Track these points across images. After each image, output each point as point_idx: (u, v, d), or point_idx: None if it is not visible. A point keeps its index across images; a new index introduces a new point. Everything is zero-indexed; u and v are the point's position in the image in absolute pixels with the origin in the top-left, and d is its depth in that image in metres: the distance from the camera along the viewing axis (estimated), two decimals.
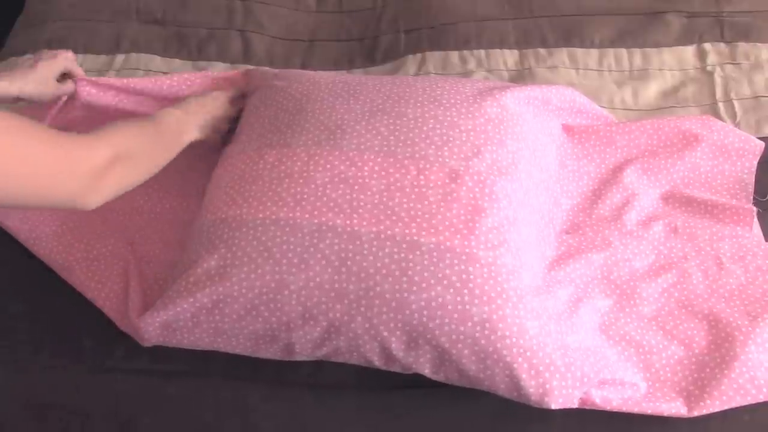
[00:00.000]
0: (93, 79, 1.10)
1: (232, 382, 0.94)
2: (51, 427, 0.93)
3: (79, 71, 1.09)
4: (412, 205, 0.88)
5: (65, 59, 1.06)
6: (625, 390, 0.87)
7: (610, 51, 1.28)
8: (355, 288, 0.85)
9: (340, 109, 0.98)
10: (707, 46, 1.27)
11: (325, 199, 0.89)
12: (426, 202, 0.88)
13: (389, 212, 0.88)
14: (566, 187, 1.05)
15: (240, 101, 1.12)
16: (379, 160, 0.92)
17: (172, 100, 1.09)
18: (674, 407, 0.86)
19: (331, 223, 0.88)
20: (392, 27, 1.37)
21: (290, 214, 0.89)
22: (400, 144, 0.93)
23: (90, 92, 1.09)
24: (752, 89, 1.21)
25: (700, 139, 1.08)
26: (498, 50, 1.30)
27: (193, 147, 1.03)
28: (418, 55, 1.30)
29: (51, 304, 1.02)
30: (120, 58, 1.33)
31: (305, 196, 0.90)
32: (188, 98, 1.06)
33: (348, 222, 0.88)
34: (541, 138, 1.02)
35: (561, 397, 0.83)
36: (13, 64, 1.08)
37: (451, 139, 0.94)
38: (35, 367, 0.97)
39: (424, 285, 0.84)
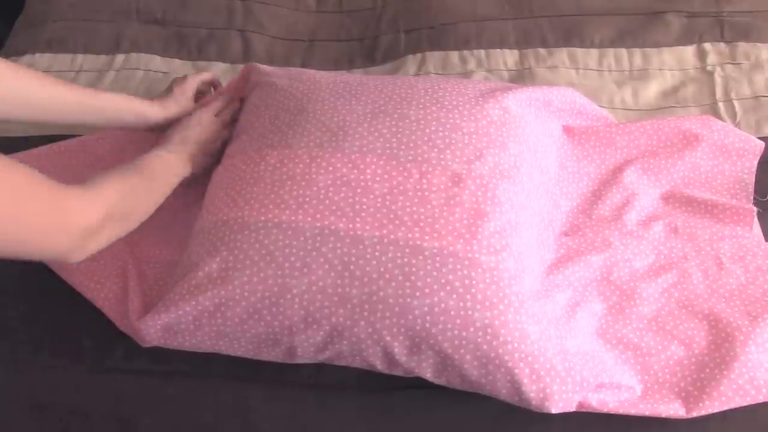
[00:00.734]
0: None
1: (233, 382, 0.94)
2: (51, 427, 0.93)
3: (215, 82, 1.18)
4: (414, 209, 0.88)
5: (194, 78, 1.13)
6: (622, 393, 0.88)
7: (610, 51, 1.28)
8: (358, 292, 0.85)
9: (341, 110, 0.98)
10: (707, 46, 1.27)
11: (327, 202, 0.89)
12: (429, 206, 0.88)
13: (392, 216, 0.88)
14: (566, 189, 1.05)
15: (227, 111, 1.11)
16: (381, 162, 0.92)
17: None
18: (672, 408, 0.86)
19: (333, 227, 0.88)
20: (392, 27, 1.37)
21: (292, 217, 0.89)
22: (403, 146, 0.93)
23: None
24: (752, 89, 1.21)
25: (700, 139, 1.08)
26: (498, 50, 1.30)
27: None
28: (418, 55, 1.30)
29: (51, 304, 1.02)
30: (120, 58, 1.33)
31: (307, 199, 0.90)
32: (170, 132, 1.05)
33: (351, 226, 0.88)
34: (542, 140, 1.02)
35: (561, 401, 0.84)
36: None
37: (453, 141, 0.94)
38: (35, 367, 0.97)
39: (426, 290, 0.84)
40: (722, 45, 1.27)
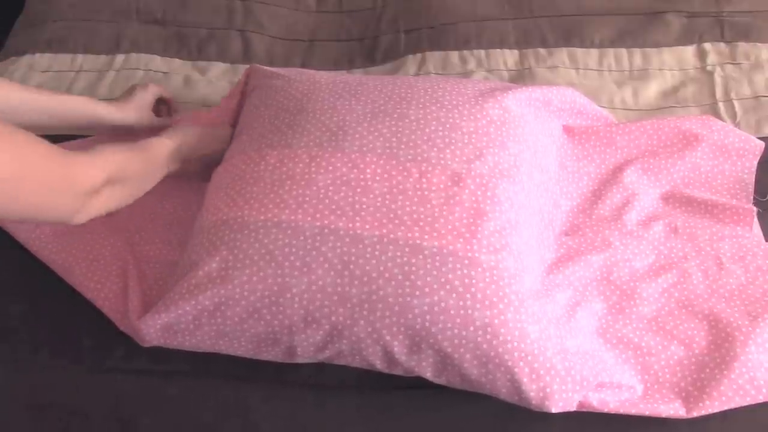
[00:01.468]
0: None
1: (233, 382, 0.94)
2: (51, 427, 0.93)
3: (169, 98, 1.19)
4: (414, 208, 0.88)
5: (156, 88, 1.14)
6: (622, 392, 0.88)
7: (610, 51, 1.28)
8: (358, 292, 0.85)
9: (341, 110, 0.98)
10: (707, 46, 1.27)
11: (327, 201, 0.89)
12: (428, 206, 0.88)
13: (392, 215, 0.88)
14: (566, 189, 1.05)
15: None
16: (381, 162, 0.92)
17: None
18: (673, 408, 0.86)
19: (333, 226, 0.88)
20: (392, 27, 1.37)
21: (292, 217, 0.89)
22: (402, 146, 0.93)
23: None
24: (752, 89, 1.21)
25: (700, 139, 1.08)
26: (498, 50, 1.30)
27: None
28: (418, 55, 1.30)
29: (51, 304, 1.02)
30: (120, 58, 1.33)
31: (307, 199, 0.90)
32: (181, 128, 1.05)
33: (350, 225, 0.88)
34: (542, 139, 1.02)
35: (561, 400, 0.84)
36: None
37: (453, 141, 0.94)
38: (35, 367, 0.97)
39: (426, 289, 0.84)
40: (722, 45, 1.27)
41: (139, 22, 1.40)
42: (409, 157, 0.92)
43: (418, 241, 0.86)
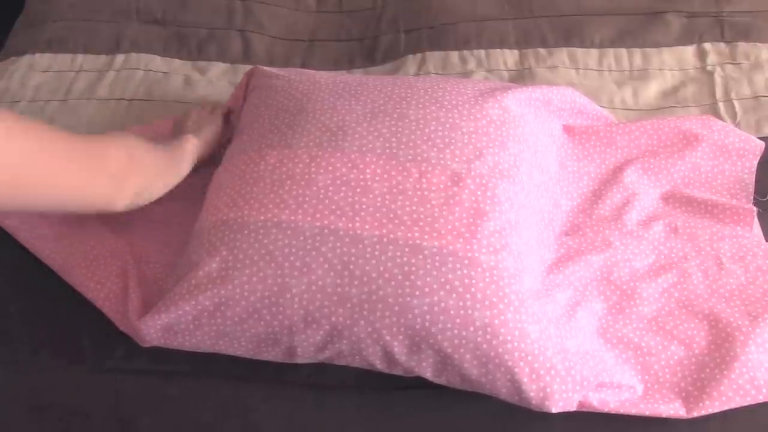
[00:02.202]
0: None
1: (233, 382, 0.94)
2: (51, 427, 0.93)
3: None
4: (414, 208, 0.88)
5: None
6: (623, 392, 0.87)
7: (610, 51, 1.28)
8: (358, 292, 0.85)
9: (341, 110, 0.98)
10: (707, 46, 1.27)
11: (327, 201, 0.89)
12: (428, 206, 0.88)
13: (392, 215, 0.88)
14: (566, 189, 1.05)
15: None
16: (381, 162, 0.92)
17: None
18: (673, 408, 0.86)
19: (333, 227, 0.88)
20: (392, 27, 1.37)
21: (292, 217, 0.89)
22: (402, 146, 0.93)
23: None
24: (752, 89, 1.21)
25: (700, 139, 1.08)
26: (498, 50, 1.30)
27: None
28: (418, 55, 1.30)
29: (51, 304, 1.02)
30: (120, 58, 1.33)
31: (307, 199, 0.90)
32: (204, 126, 1.08)
33: (350, 225, 0.88)
34: (542, 139, 1.02)
35: (561, 400, 0.84)
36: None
37: (453, 141, 0.94)
38: (35, 367, 0.96)
39: (426, 289, 0.84)
40: (722, 45, 1.27)
41: (139, 22, 1.40)
42: (409, 157, 0.92)
43: (418, 241, 0.86)
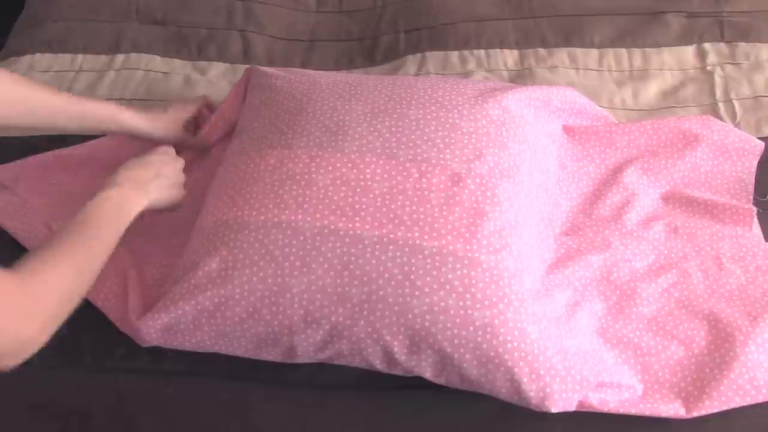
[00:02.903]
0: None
1: (233, 382, 0.94)
2: (51, 427, 0.93)
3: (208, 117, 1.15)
4: (414, 208, 0.88)
5: (194, 107, 1.12)
6: (622, 392, 0.87)
7: (610, 51, 1.28)
8: (358, 292, 0.85)
9: (341, 110, 0.98)
10: (707, 46, 1.27)
11: (327, 201, 0.89)
12: (428, 206, 0.88)
13: (392, 216, 0.88)
14: (566, 189, 1.05)
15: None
16: (381, 162, 0.92)
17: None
18: (672, 408, 0.86)
19: (333, 227, 0.88)
20: (392, 27, 1.37)
21: (292, 217, 0.89)
22: (402, 146, 0.93)
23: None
24: (752, 89, 1.21)
25: (700, 139, 1.08)
26: (498, 50, 1.30)
27: (190, 148, 1.05)
28: (418, 55, 1.30)
29: None
30: (120, 58, 1.33)
31: (307, 199, 0.90)
32: (118, 171, 0.93)
33: (350, 225, 0.88)
34: (542, 139, 1.02)
35: (561, 400, 0.84)
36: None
37: (453, 141, 0.94)
38: (35, 367, 0.96)
39: (426, 289, 0.84)
40: (722, 45, 1.27)
41: (139, 22, 1.40)
42: (409, 157, 0.92)
43: (417, 242, 0.86)
